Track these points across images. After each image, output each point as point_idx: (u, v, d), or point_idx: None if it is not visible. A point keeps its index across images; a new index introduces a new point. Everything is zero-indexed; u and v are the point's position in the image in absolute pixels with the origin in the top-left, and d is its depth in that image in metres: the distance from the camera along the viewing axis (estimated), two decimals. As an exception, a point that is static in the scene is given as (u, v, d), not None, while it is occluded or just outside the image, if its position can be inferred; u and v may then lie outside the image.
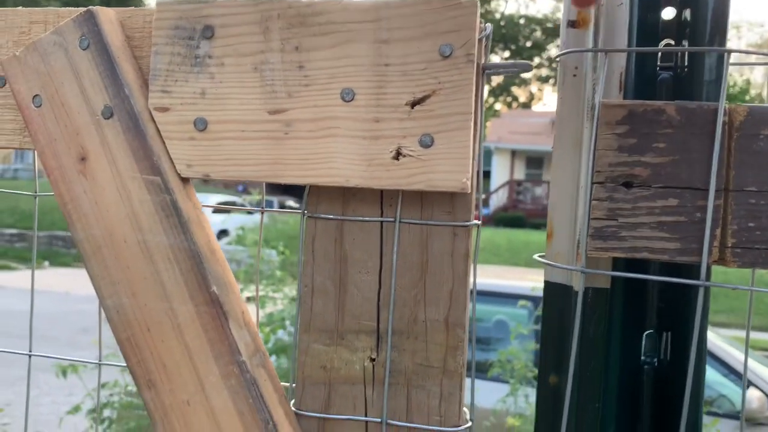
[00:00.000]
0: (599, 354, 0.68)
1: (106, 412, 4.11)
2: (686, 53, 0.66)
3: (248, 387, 0.64)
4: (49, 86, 0.69)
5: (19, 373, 6.28)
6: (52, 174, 0.69)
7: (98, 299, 0.69)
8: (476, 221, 0.66)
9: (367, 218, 0.67)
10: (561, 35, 0.69)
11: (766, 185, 0.58)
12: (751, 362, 4.17)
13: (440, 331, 0.66)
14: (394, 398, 0.66)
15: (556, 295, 0.70)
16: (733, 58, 0.63)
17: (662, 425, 0.69)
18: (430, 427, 0.66)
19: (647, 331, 0.69)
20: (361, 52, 0.63)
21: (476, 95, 0.63)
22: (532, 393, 3.83)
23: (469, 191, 0.63)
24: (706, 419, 3.74)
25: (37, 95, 0.69)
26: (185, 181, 0.69)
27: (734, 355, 4.13)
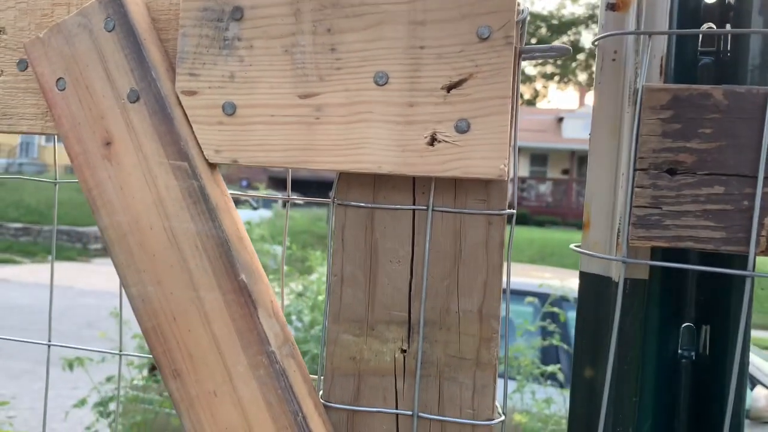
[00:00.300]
0: (636, 347, 0.66)
1: (112, 406, 4.11)
2: (729, 38, 0.64)
3: (277, 378, 0.63)
4: (74, 69, 0.67)
5: (24, 366, 6.28)
6: (76, 159, 0.67)
7: (123, 287, 0.67)
8: (511, 210, 0.65)
9: (399, 206, 0.65)
10: (599, 18, 0.67)
11: (814, 173, 0.56)
12: (758, 360, 4.15)
13: (473, 323, 0.64)
14: (426, 391, 0.65)
15: (592, 286, 0.68)
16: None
17: (700, 420, 0.67)
18: (463, 421, 0.64)
19: (685, 324, 0.68)
20: (396, 34, 0.61)
21: (514, 79, 0.61)
22: (538, 390, 3.82)
23: (506, 178, 0.61)
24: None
25: (60, 78, 0.68)
26: (213, 166, 0.67)
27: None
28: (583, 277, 0.68)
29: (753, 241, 0.57)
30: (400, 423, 0.65)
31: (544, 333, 4.14)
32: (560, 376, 3.84)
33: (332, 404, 0.66)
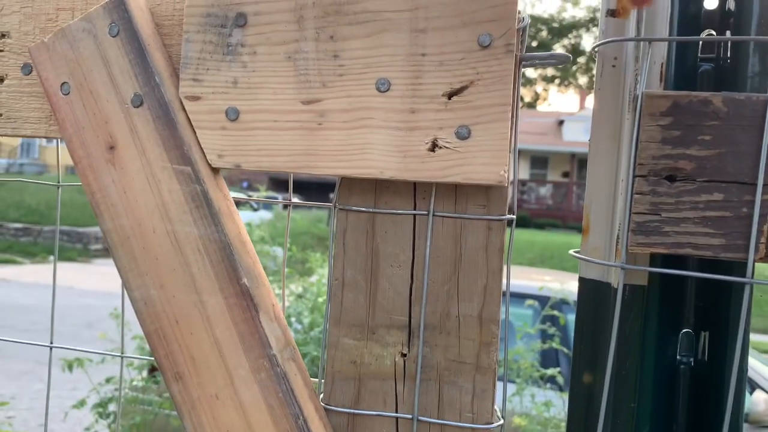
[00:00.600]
0: (635, 352, 0.67)
1: (111, 407, 4.11)
2: (729, 45, 0.65)
3: (278, 381, 0.63)
4: (78, 73, 0.68)
5: (23, 367, 6.28)
6: (79, 163, 0.68)
7: (125, 290, 0.68)
8: (511, 215, 0.65)
9: (400, 211, 0.65)
10: (600, 24, 0.67)
11: (812, 181, 0.57)
12: (757, 365, 4.15)
13: (473, 327, 0.64)
14: (426, 394, 0.65)
15: (590, 291, 0.68)
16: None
17: (698, 426, 0.68)
18: (462, 425, 0.64)
19: (684, 330, 0.68)
20: (398, 42, 0.62)
21: (514, 86, 0.62)
22: (538, 393, 3.82)
23: (506, 184, 0.62)
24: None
25: (65, 83, 0.68)
26: (216, 171, 0.67)
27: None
28: (583, 282, 0.69)
29: (752, 248, 0.57)
30: (400, 426, 0.66)
31: (544, 336, 4.14)
32: (560, 379, 3.84)
33: (333, 407, 0.67)
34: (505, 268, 0.65)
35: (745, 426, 3.77)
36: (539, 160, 25.83)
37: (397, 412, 0.66)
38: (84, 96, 0.68)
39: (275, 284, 4.74)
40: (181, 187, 0.65)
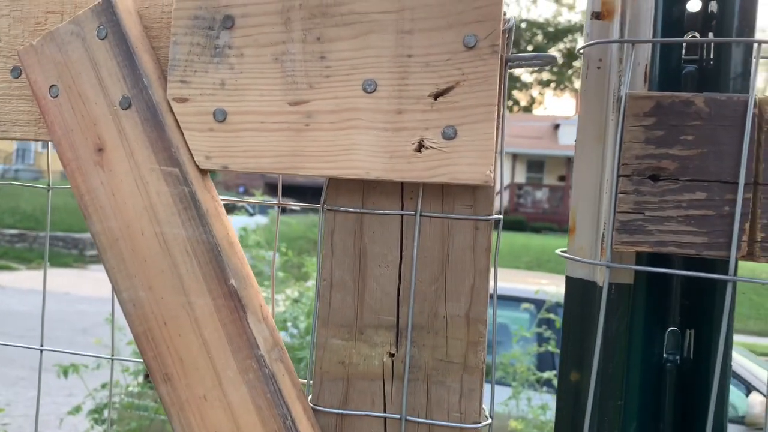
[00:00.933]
0: (621, 351, 0.67)
1: (107, 413, 4.10)
2: (712, 46, 0.65)
3: (266, 382, 0.64)
4: (66, 76, 0.68)
5: (18, 373, 6.26)
6: (68, 165, 0.68)
7: (114, 293, 0.68)
8: (498, 215, 0.66)
9: (387, 211, 0.66)
10: (585, 27, 0.68)
11: (794, 179, 0.57)
12: (753, 367, 4.16)
13: (461, 327, 0.65)
14: (414, 394, 0.66)
15: (577, 290, 0.69)
16: (763, 51, 0.62)
17: (685, 424, 0.68)
18: (450, 424, 0.65)
19: (670, 329, 0.68)
20: (384, 43, 0.62)
21: (500, 87, 0.62)
22: (534, 396, 3.82)
23: (492, 184, 0.62)
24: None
25: (53, 85, 0.69)
26: (204, 173, 0.68)
27: (736, 360, 4.13)
28: (569, 281, 0.69)
29: (734, 245, 0.58)
30: (388, 426, 0.66)
31: (540, 339, 4.14)
32: (556, 383, 3.83)
33: (321, 408, 0.67)
34: (492, 268, 0.65)
35: (742, 428, 3.78)
36: (535, 164, 25.88)
37: (385, 412, 0.66)
38: (73, 98, 0.68)
39: (270, 289, 4.74)
40: (169, 188, 0.66)
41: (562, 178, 26.17)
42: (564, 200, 24.41)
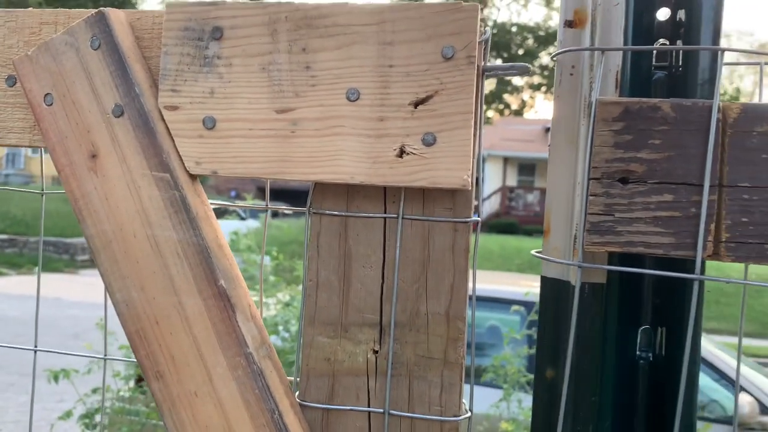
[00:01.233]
0: (595, 348, 0.70)
1: (98, 417, 4.10)
2: (681, 53, 0.69)
3: (255, 378, 0.66)
4: (61, 85, 0.71)
5: (9, 379, 6.24)
6: (63, 171, 0.71)
7: (108, 293, 0.70)
8: (476, 217, 0.68)
9: (371, 214, 0.69)
10: (558, 35, 0.71)
11: (758, 181, 0.61)
12: (742, 368, 4.21)
13: (441, 324, 0.68)
14: (396, 389, 0.68)
15: (552, 290, 0.72)
16: (727, 58, 0.65)
17: (657, 419, 0.71)
18: (431, 417, 0.67)
19: (643, 327, 0.72)
20: (366, 54, 0.65)
21: (477, 96, 0.65)
22: (525, 398, 3.85)
23: (470, 188, 0.65)
24: (698, 424, 3.77)
25: (48, 94, 0.71)
26: (194, 177, 0.70)
27: (725, 360, 4.17)
28: (544, 281, 0.72)
29: (700, 245, 0.61)
30: (372, 420, 0.69)
31: (531, 341, 4.17)
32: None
33: (308, 403, 0.70)
34: (471, 267, 0.68)
35: (731, 428, 3.83)
36: (527, 167, 26.00)
37: (369, 406, 0.69)
38: (67, 107, 0.70)
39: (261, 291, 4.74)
40: (160, 193, 0.68)
41: (553, 181, 26.20)
42: (555, 203, 24.41)
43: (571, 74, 0.69)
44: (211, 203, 0.74)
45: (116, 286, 0.69)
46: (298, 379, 0.71)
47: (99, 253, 0.70)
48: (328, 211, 0.70)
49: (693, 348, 0.64)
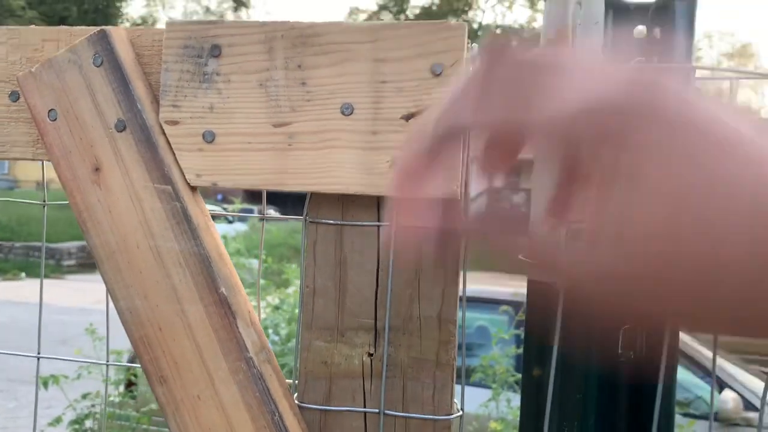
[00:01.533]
0: (580, 348, 0.74)
1: (88, 423, 4.09)
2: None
3: (255, 381, 0.69)
4: (64, 101, 0.73)
5: (-3, 385, 6.20)
6: (67, 184, 0.73)
7: (112, 301, 0.73)
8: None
9: (365, 223, 0.72)
10: (542, 54, 0.74)
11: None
12: (726, 365, 4.28)
13: (433, 327, 0.71)
14: (391, 390, 0.71)
15: (538, 292, 0.75)
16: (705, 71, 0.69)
17: (639, 414, 0.75)
18: (425, 416, 0.71)
19: (624, 326, 0.75)
20: (359, 70, 0.68)
21: (465, 109, 0.68)
22: (514, 397, 3.89)
23: (459, 198, 0.68)
24: (683, 420, 3.83)
25: (52, 109, 0.74)
26: (194, 189, 0.73)
27: (710, 357, 4.23)
28: (530, 283, 0.76)
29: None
30: (368, 420, 0.72)
31: (519, 341, 4.22)
32: (533, 383, 3.89)
33: (306, 405, 0.73)
34: (461, 272, 0.71)
35: (716, 425, 3.89)
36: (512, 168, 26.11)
37: (365, 407, 0.72)
38: (70, 122, 0.73)
39: (252, 296, 4.76)
40: (162, 204, 0.71)
41: (539, 182, 26.42)
42: (542, 203, 24.63)
43: (554, 89, 0.73)
44: (210, 212, 0.76)
45: (120, 294, 0.72)
46: (296, 381, 0.74)
47: (103, 263, 0.73)
48: (324, 220, 0.73)
49: (671, 346, 0.68)
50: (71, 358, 0.91)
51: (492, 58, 0.45)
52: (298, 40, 0.70)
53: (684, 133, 0.38)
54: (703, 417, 3.96)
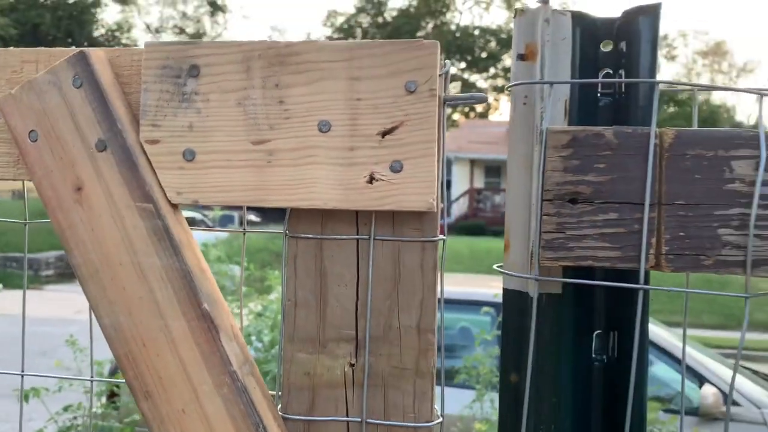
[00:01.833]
0: (554, 353, 0.76)
1: (72, 435, 4.05)
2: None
3: (239, 394, 0.70)
4: (45, 122, 0.74)
5: (-25, 399, 6.09)
6: (49, 203, 0.74)
7: (96, 318, 0.74)
8: (442, 236, 0.74)
9: (344, 236, 0.74)
10: (512, 67, 0.77)
11: (692, 199, 0.67)
12: (706, 360, 4.35)
13: (412, 337, 0.73)
14: (373, 399, 0.73)
15: (513, 301, 0.78)
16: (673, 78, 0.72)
17: (612, 415, 0.77)
18: (406, 424, 0.73)
19: (597, 332, 0.78)
20: (336, 88, 0.70)
21: (439, 125, 0.71)
22: (497, 398, 3.92)
23: (435, 210, 0.71)
24: (664, 417, 3.88)
25: (33, 130, 0.75)
26: (175, 207, 0.74)
27: (690, 353, 4.30)
28: (506, 292, 0.78)
29: (643, 258, 0.67)
30: (351, 429, 0.74)
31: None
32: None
33: (290, 416, 0.74)
34: (439, 282, 0.73)
35: (696, 419, 3.95)
36: (493, 169, 26.30)
37: (347, 416, 0.74)
38: (51, 143, 0.74)
39: (233, 304, 4.75)
40: (144, 222, 0.72)
41: (519, 182, 26.53)
42: (522, 204, 24.74)
43: (524, 104, 0.75)
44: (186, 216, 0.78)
45: (104, 311, 0.73)
46: (279, 393, 0.76)
47: (86, 281, 0.74)
48: (303, 234, 0.75)
49: (641, 349, 0.71)
50: (57, 375, 0.92)
51: None
52: (276, 59, 0.71)
53: None
54: (686, 413, 4.02)
